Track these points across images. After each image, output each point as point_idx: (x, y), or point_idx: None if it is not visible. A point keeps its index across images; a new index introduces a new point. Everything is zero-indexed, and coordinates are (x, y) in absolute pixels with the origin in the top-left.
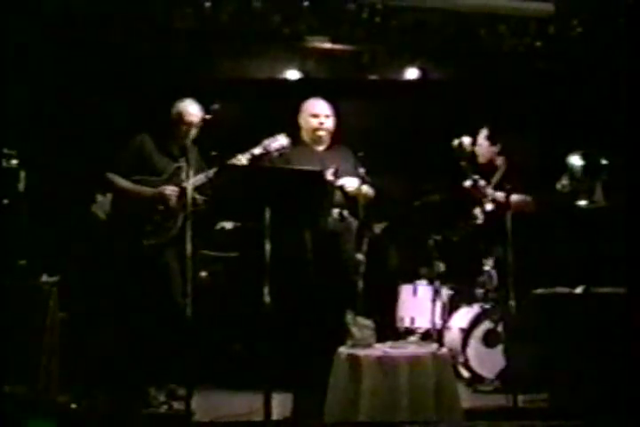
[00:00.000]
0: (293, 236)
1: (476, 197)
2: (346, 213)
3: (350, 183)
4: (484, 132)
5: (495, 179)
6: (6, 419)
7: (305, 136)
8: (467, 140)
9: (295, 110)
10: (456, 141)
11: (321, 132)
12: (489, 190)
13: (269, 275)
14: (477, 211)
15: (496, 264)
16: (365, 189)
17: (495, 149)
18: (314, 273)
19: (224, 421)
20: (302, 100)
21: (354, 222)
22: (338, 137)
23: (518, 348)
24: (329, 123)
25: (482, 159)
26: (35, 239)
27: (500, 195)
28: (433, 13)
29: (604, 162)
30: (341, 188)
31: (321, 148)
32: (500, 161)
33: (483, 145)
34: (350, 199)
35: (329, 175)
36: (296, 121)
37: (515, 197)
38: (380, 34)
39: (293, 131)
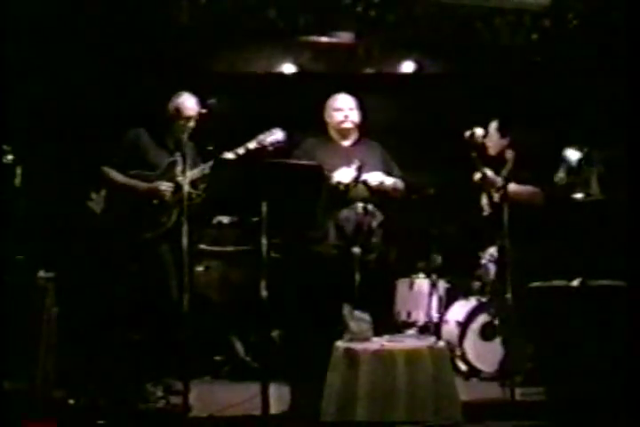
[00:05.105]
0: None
1: (486, 189)
2: (370, 206)
3: (373, 178)
4: (494, 125)
5: (505, 171)
6: (5, 416)
7: (332, 132)
8: (479, 131)
9: (295, 105)
10: (468, 132)
11: (346, 125)
12: (498, 182)
13: (269, 269)
14: (484, 202)
15: (498, 255)
16: (389, 183)
17: (505, 141)
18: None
19: (222, 415)
20: (298, 94)
21: (379, 216)
22: (366, 132)
23: (516, 341)
24: (353, 115)
25: (492, 151)
26: (31, 235)
27: (511, 186)
28: (428, 7)
29: (600, 155)
30: (365, 182)
31: (347, 143)
32: (509, 154)
33: (493, 137)
34: (376, 193)
35: (353, 170)
36: (322, 118)
37: (524, 190)
38: (375, 27)
39: (321, 128)
